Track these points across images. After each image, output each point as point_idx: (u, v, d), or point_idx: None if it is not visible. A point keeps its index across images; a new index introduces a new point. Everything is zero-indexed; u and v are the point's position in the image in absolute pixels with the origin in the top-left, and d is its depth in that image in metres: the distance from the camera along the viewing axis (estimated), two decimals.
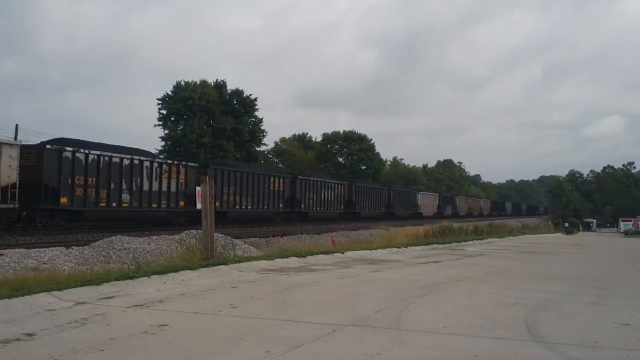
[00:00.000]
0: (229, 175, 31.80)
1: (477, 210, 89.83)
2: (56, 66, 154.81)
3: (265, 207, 35.62)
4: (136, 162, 24.91)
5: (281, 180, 37.75)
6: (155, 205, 25.65)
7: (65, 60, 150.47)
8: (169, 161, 27.55)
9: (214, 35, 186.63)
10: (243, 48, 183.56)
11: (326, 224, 38.12)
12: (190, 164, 28.52)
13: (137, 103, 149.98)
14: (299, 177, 40.58)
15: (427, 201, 67.53)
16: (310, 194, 41.21)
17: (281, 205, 37.40)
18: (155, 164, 26.07)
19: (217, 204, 26.99)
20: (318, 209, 42.40)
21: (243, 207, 33.18)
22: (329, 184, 44.83)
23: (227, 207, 31.13)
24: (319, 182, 42.97)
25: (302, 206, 40.14)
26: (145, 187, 25.20)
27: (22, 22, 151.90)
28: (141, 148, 28.62)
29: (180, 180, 26.85)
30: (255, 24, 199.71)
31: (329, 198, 44.13)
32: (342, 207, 46.43)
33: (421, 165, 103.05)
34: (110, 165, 23.61)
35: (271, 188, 36.06)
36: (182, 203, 26.72)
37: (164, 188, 26.24)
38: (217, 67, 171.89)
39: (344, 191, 46.75)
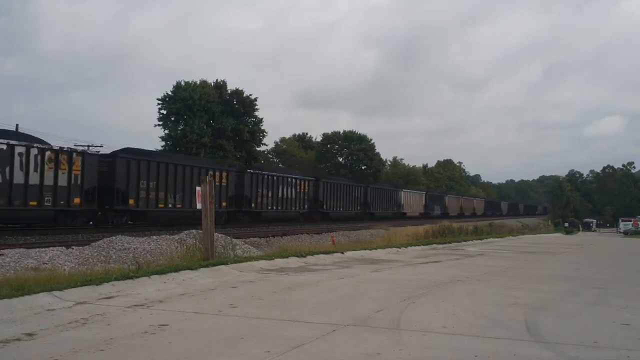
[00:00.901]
0: (147, 166, 26.01)
1: (470, 209, 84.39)
2: (56, 66, 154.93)
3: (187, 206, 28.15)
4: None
5: (224, 173, 31.91)
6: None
7: (66, 60, 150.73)
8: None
9: (214, 35, 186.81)
10: (243, 48, 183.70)
11: (282, 226, 33.58)
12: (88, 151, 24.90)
13: (138, 103, 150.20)
14: (249, 170, 35.25)
15: (411, 200, 62.17)
16: (264, 190, 35.42)
17: (224, 204, 31.38)
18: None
19: (131, 201, 24.70)
20: (274, 208, 36.83)
21: (170, 205, 27.47)
22: (289, 180, 38.87)
23: (147, 206, 26.04)
24: (275, 177, 37.06)
25: (253, 205, 34.35)
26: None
27: (23, 22, 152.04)
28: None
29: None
30: (256, 24, 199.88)
31: (289, 195, 38.45)
32: (305, 206, 40.85)
33: (421, 165, 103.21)
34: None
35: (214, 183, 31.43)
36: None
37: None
38: (217, 67, 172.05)
39: (309, 188, 40.61)
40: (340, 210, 45.78)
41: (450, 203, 75.30)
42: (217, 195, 28.98)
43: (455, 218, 64.70)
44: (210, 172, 27.40)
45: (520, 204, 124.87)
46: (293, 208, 38.83)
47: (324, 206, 43.04)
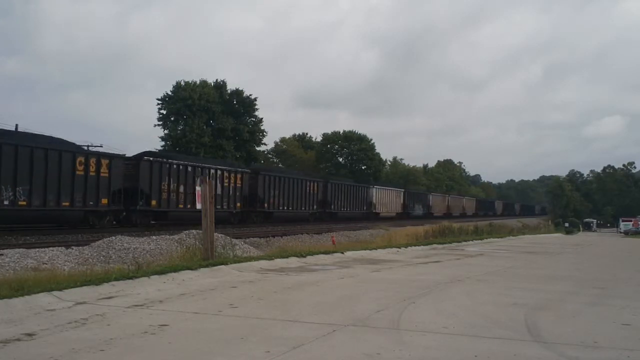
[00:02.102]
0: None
1: (459, 209, 77.28)
2: (56, 66, 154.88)
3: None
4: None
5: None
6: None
7: (66, 60, 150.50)
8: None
9: (215, 35, 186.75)
10: (244, 48, 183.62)
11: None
12: None
13: (138, 103, 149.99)
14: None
15: (386, 198, 54.09)
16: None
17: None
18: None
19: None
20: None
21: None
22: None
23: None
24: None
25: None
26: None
27: (23, 22, 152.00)
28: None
29: None
30: (257, 24, 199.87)
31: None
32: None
33: (421, 166, 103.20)
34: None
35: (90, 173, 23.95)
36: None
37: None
38: (218, 67, 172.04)
39: (245, 183, 33.42)
40: (289, 208, 38.04)
41: (434, 202, 68.43)
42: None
43: (440, 219, 57.21)
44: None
45: (516, 204, 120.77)
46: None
47: (265, 204, 35.53)
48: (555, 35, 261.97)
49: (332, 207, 43.03)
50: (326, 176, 48.76)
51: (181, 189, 27.91)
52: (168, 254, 14.87)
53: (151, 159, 26.73)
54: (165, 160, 27.57)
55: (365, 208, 49.76)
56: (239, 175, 32.86)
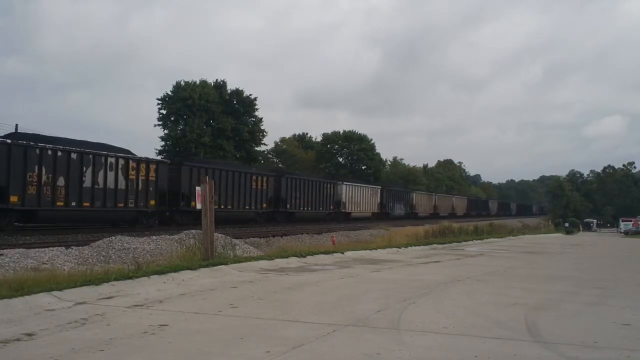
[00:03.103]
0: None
1: (447, 209, 71.79)
2: (57, 66, 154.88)
3: None
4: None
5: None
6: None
7: (66, 60, 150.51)
8: None
9: (216, 36, 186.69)
10: (244, 48, 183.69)
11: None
12: None
13: (138, 103, 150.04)
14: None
15: (358, 196, 47.94)
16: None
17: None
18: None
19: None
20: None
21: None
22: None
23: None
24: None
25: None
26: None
27: (24, 22, 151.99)
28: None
29: None
30: (257, 24, 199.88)
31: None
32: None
33: (421, 166, 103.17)
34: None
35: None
36: None
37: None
38: (218, 67, 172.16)
39: (162, 174, 30.89)
40: (238, 207, 33.73)
41: (419, 201, 62.59)
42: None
43: (425, 220, 53.73)
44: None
45: (512, 203, 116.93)
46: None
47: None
48: (556, 35, 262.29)
49: (288, 205, 36.89)
50: (280, 170, 41.92)
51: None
52: (168, 254, 14.86)
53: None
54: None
55: (332, 207, 43.16)
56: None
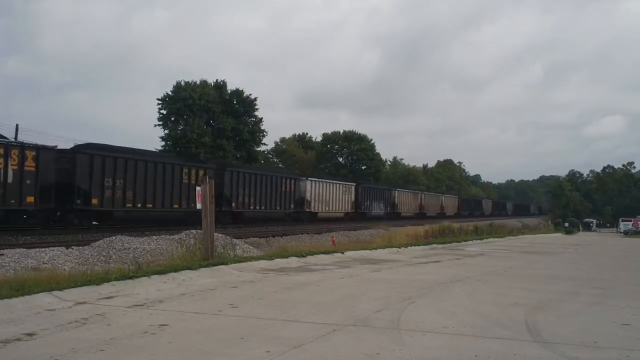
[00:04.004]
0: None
1: (435, 209, 67.30)
2: (57, 66, 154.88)
3: None
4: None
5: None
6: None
7: (67, 59, 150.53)
8: None
9: (217, 36, 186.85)
10: (245, 48, 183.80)
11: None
12: None
13: (139, 103, 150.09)
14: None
15: (327, 194, 42.27)
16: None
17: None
18: None
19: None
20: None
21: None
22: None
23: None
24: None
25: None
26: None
27: (24, 22, 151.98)
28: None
29: None
30: (258, 25, 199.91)
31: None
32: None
33: (421, 166, 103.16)
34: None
35: None
36: None
37: None
38: (219, 67, 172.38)
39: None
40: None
41: (402, 200, 57.63)
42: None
43: (409, 220, 50.99)
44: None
45: (508, 203, 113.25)
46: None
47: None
48: (556, 35, 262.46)
49: (234, 204, 32.37)
50: (222, 163, 37.18)
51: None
52: (168, 254, 14.87)
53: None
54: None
55: (292, 206, 38.11)
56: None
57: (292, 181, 38.46)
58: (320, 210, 41.43)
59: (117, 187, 24.41)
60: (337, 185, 44.95)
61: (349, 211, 46.14)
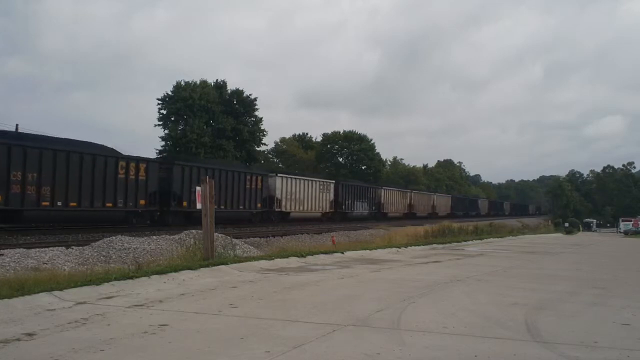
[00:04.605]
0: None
1: (426, 209, 63.68)
2: (58, 66, 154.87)
3: None
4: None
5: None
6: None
7: (67, 60, 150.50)
8: None
9: (217, 36, 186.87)
10: (246, 48, 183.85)
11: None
12: None
13: (139, 103, 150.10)
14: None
15: (300, 192, 38.67)
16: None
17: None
18: None
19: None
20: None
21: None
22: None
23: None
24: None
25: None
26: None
27: (25, 22, 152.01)
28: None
29: None
30: (259, 25, 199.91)
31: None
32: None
33: (421, 165, 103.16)
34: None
35: None
36: None
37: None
38: (219, 67, 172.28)
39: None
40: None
41: (388, 199, 53.96)
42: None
43: (396, 221, 48.47)
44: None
45: (505, 203, 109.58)
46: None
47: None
48: (557, 35, 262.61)
49: (185, 204, 27.78)
50: (171, 156, 34.14)
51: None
52: (168, 254, 14.86)
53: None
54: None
55: (259, 205, 34.24)
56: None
57: (259, 178, 34.34)
58: (293, 209, 37.92)
59: (29, 182, 20.44)
60: (313, 182, 40.94)
61: (328, 211, 42.54)
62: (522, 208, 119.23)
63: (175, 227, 24.59)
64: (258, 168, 42.65)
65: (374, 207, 50.45)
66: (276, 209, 36.31)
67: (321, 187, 41.75)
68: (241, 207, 32.10)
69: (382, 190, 53.15)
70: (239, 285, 9.19)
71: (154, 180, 26.18)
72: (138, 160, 25.82)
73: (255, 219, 33.88)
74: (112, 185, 23.63)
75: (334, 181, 44.65)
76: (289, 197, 37.37)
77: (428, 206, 64.82)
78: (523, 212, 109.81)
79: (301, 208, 38.96)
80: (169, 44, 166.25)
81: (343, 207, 44.75)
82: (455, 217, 65.17)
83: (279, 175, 37.23)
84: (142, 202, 25.43)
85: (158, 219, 27.47)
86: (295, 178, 39.18)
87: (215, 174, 29.13)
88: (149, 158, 28.62)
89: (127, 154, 25.82)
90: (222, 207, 29.56)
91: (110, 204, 23.55)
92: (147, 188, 25.64)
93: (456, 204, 74.92)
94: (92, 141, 25.04)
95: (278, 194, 36.19)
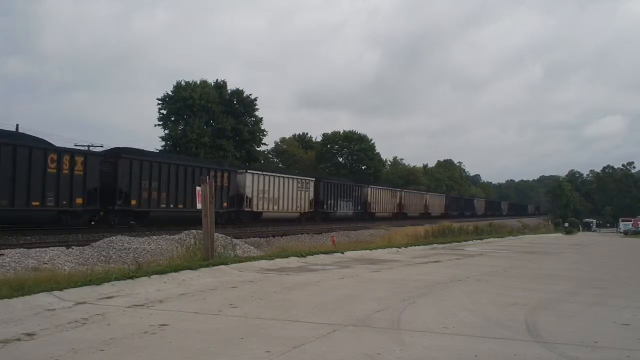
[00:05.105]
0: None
1: (418, 209, 60.49)
2: (58, 66, 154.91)
3: None
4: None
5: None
6: None
7: (68, 60, 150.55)
8: None
9: (217, 36, 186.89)
10: (246, 48, 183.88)
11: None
12: None
13: (139, 103, 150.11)
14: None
15: (274, 191, 35.27)
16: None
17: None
18: None
19: None
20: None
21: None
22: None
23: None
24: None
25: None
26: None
27: (25, 21, 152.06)
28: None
29: None
30: (259, 25, 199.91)
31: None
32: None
33: (421, 165, 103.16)
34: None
35: None
36: None
37: None
38: (220, 67, 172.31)
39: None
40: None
41: (376, 198, 50.75)
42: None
43: (385, 221, 45.90)
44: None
45: (503, 202, 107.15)
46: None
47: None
48: (557, 35, 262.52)
49: (134, 202, 24.77)
50: (116, 148, 27.21)
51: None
52: (168, 254, 14.86)
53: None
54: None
55: (226, 204, 30.73)
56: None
57: (224, 174, 30.66)
58: (265, 209, 34.68)
59: None
60: (289, 180, 37.58)
61: (307, 211, 39.19)
62: (521, 208, 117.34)
63: (123, 228, 22.78)
64: (225, 164, 38.11)
65: (359, 207, 47.58)
66: (246, 209, 32.60)
67: (299, 185, 38.34)
68: (192, 205, 25.60)
69: (369, 189, 49.93)
70: (239, 285, 9.19)
71: (94, 175, 22.80)
72: (74, 152, 22.79)
73: (221, 219, 28.09)
74: (40, 182, 20.45)
75: (313, 179, 41.55)
76: (261, 195, 34.09)
77: (420, 206, 61.95)
78: (521, 212, 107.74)
79: (275, 208, 35.61)
80: (169, 44, 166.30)
81: (324, 206, 41.65)
82: (449, 217, 62.48)
83: (249, 171, 33.73)
84: (78, 200, 22.04)
85: (100, 219, 24.70)
86: (268, 175, 35.72)
87: (172, 169, 26.28)
88: (87, 150, 25.76)
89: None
90: (181, 206, 26.35)
91: (37, 203, 20.34)
92: (85, 184, 22.28)
93: (450, 204, 72.27)
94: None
95: (248, 192, 32.68)
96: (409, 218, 54.63)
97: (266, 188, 34.70)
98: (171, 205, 26.35)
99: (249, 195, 32.77)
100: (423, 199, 63.50)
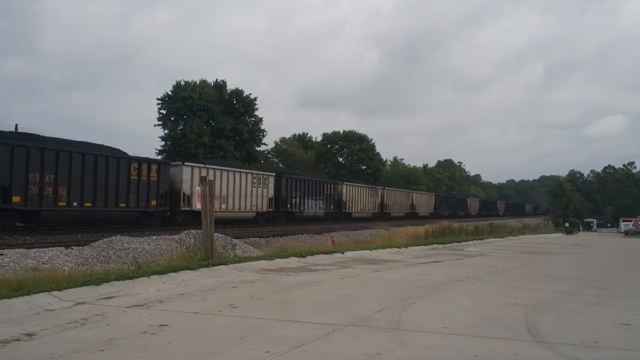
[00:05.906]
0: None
1: (403, 208, 56.02)
2: (58, 66, 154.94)
3: None
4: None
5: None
6: None
7: (68, 60, 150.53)
8: None
9: (217, 36, 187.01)
10: (246, 48, 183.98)
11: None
12: None
13: (139, 103, 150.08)
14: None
15: (222, 187, 30.04)
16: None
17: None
18: None
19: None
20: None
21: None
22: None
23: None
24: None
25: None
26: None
27: (25, 22, 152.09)
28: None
29: None
30: (259, 25, 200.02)
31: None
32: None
33: (421, 165, 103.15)
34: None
35: None
36: None
37: None
38: (219, 67, 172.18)
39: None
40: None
41: (352, 197, 46.08)
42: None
43: (364, 222, 42.44)
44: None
45: (499, 202, 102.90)
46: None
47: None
48: (557, 35, 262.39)
49: (75, 203, 21.61)
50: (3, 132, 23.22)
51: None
52: (168, 254, 14.85)
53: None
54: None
55: (156, 202, 25.76)
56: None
57: (152, 166, 25.89)
58: (233, 208, 31.60)
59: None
60: (242, 174, 32.68)
61: (265, 210, 34.95)
62: (518, 208, 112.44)
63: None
64: (159, 159, 35.43)
65: (332, 206, 42.80)
66: (183, 208, 27.73)
67: (255, 180, 33.58)
68: (122, 204, 23.71)
69: (344, 186, 44.87)
70: (238, 286, 9.18)
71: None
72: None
73: (149, 220, 25.64)
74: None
75: (274, 174, 37.08)
76: (223, 193, 30.54)
77: (405, 205, 57.13)
78: (519, 212, 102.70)
79: (223, 207, 30.34)
80: (169, 44, 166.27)
81: (288, 205, 37.31)
82: (439, 217, 58.11)
83: (186, 164, 28.81)
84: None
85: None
86: (212, 168, 30.35)
87: (73, 158, 21.57)
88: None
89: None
90: (88, 204, 22.24)
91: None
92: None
93: (440, 203, 67.41)
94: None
95: (186, 189, 27.70)
96: (392, 219, 50.23)
97: (224, 182, 30.76)
98: (74, 204, 21.57)
99: (187, 192, 27.66)
100: (409, 197, 58.98)
